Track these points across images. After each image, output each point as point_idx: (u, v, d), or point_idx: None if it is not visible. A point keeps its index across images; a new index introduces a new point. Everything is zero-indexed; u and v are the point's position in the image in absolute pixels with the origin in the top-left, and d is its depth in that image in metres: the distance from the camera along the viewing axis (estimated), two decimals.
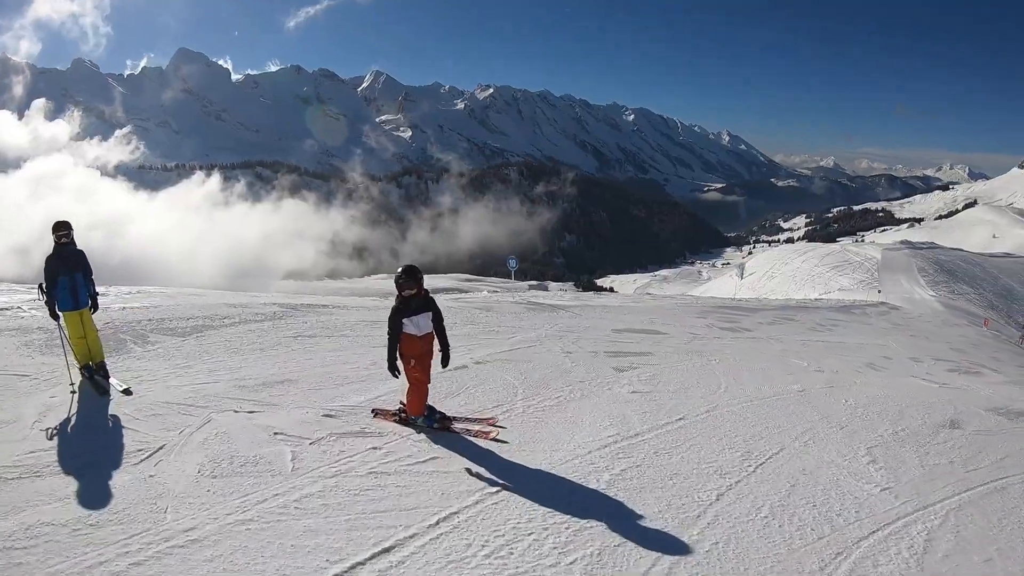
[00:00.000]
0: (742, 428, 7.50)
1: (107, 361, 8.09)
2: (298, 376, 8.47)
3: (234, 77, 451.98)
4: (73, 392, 7.18)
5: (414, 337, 6.49)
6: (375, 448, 6.24)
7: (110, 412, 6.76)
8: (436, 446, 6.39)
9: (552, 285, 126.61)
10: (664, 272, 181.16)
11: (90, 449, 5.88)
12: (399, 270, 6.44)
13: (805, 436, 7.40)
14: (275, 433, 6.40)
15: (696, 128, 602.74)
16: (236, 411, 6.95)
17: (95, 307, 8.03)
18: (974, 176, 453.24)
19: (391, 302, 6.53)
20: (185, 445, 6.00)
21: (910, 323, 26.67)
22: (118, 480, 5.29)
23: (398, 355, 6.55)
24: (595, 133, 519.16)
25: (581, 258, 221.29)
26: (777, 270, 69.26)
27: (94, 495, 5.02)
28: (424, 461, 6.03)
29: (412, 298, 6.40)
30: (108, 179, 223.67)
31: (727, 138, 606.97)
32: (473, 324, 13.51)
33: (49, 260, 7.52)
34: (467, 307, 16.35)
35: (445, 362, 6.71)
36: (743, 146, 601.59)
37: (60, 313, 7.63)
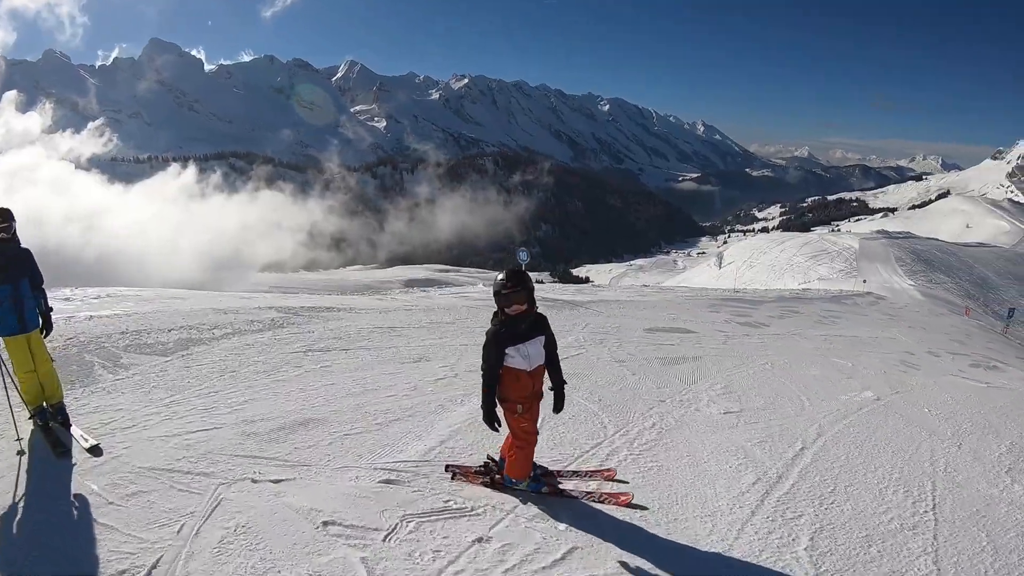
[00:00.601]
0: (870, 454, 6.46)
1: (67, 398, 6.03)
2: (324, 413, 6.48)
3: (207, 68, 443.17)
4: (21, 453, 5.09)
5: (522, 373, 4.63)
6: (482, 540, 4.30)
7: (73, 489, 4.65)
8: (561, 526, 4.56)
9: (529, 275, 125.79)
10: (640, 261, 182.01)
11: (44, 571, 3.78)
12: (500, 277, 4.54)
13: (939, 461, 6.43)
14: (324, 523, 4.35)
15: (671, 118, 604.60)
16: (255, 480, 4.92)
17: (48, 328, 5.84)
18: (947, 167, 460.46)
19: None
20: (191, 558, 3.89)
21: (901, 313, 26.52)
22: None
23: (497, 399, 4.73)
24: (570, 123, 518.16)
25: (557, 248, 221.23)
26: (756, 259, 69.97)
27: None
28: (562, 558, 4.17)
29: (521, 317, 4.53)
30: (82, 172, 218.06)
31: (702, 128, 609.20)
32: None
33: None
34: (482, 306, 15.08)
35: (559, 406, 4.89)
36: (718, 136, 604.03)
37: (0, 339, 5.53)
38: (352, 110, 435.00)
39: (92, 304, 11.19)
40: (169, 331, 9.10)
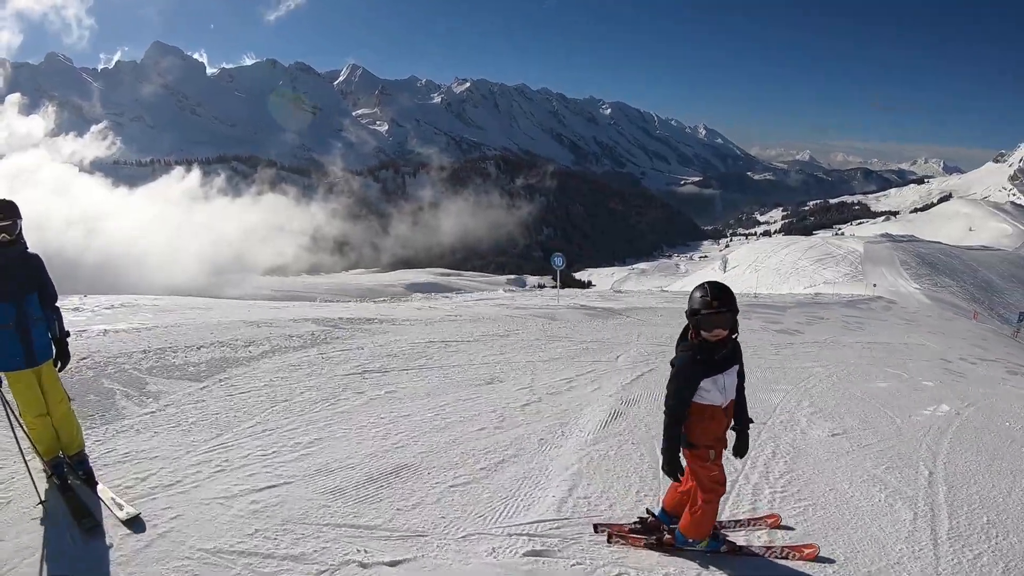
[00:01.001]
0: (993, 476, 5.89)
1: (87, 440, 4.73)
2: (413, 455, 5.28)
3: (209, 71, 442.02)
4: (42, 523, 3.79)
5: (718, 410, 3.82)
6: None
7: None
8: None
9: (530, 280, 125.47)
10: (642, 265, 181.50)
11: None
12: (699, 293, 3.66)
13: None
14: None
15: (673, 122, 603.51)
16: (364, 564, 3.69)
17: (64, 359, 4.48)
18: (949, 170, 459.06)
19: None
20: None
21: (916, 318, 26.55)
22: None
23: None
24: (572, 126, 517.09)
25: (559, 251, 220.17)
26: (761, 263, 69.64)
27: None
28: None
29: (719, 344, 3.68)
30: (85, 175, 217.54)
31: (704, 132, 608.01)
32: (554, 338, 11.37)
33: None
34: (528, 316, 14.14)
35: (744, 449, 4.09)
36: (719, 140, 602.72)
37: (1, 374, 4.17)
38: (354, 113, 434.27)
39: (105, 315, 9.99)
40: (199, 348, 7.86)
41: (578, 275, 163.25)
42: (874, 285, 46.64)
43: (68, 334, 4.54)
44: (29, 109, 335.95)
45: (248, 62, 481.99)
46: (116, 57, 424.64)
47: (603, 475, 5.21)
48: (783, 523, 4.70)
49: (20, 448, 4.26)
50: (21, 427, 4.26)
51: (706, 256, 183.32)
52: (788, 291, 45.68)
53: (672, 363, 3.80)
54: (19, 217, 4.17)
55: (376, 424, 5.92)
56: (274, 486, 4.51)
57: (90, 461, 4.49)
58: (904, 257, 59.27)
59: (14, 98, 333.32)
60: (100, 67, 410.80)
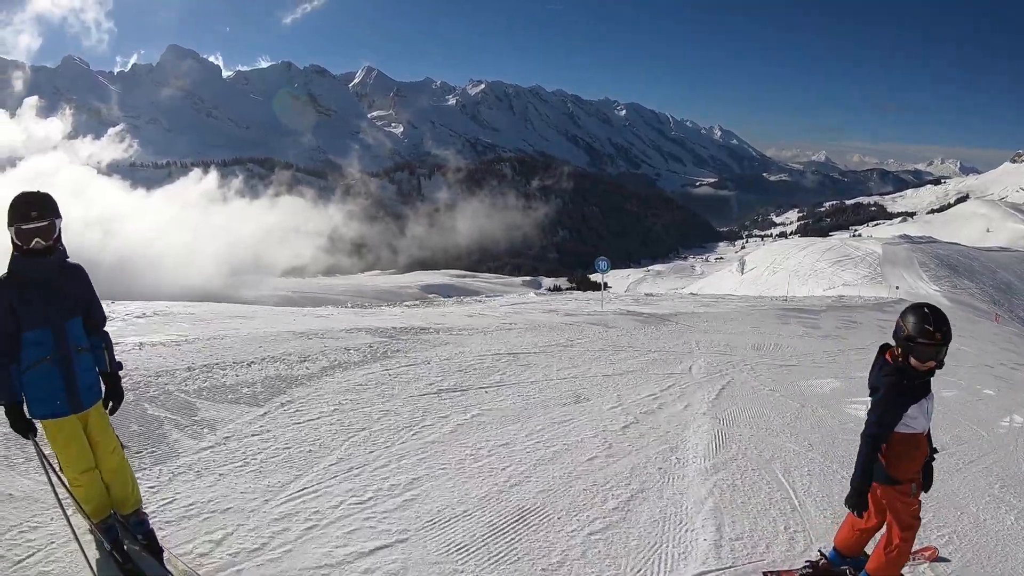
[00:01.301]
0: None
1: (139, 483, 3.76)
2: (531, 496, 4.55)
3: (225, 74, 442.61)
4: None
5: (920, 437, 3.58)
6: None
7: None
8: None
9: (545, 281, 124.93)
10: (658, 267, 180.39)
11: None
12: (918, 319, 3.32)
13: None
14: None
15: (688, 123, 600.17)
16: None
17: (116, 398, 3.53)
18: (965, 170, 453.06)
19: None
20: None
21: None
22: None
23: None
24: (587, 128, 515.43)
25: (575, 253, 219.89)
26: (779, 264, 69.03)
27: None
28: None
29: (926, 372, 3.41)
30: (103, 177, 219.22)
31: (719, 133, 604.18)
32: (619, 348, 10.76)
33: None
34: (578, 322, 13.59)
35: (928, 483, 3.71)
36: (735, 141, 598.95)
37: (36, 421, 3.22)
38: (370, 116, 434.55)
39: (138, 325, 9.07)
40: (250, 365, 6.95)
41: (593, 276, 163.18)
42: (896, 287, 46.25)
43: (120, 366, 3.58)
44: (47, 112, 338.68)
45: (263, 64, 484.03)
46: (132, 60, 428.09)
47: (742, 509, 4.75)
48: (941, 555, 4.49)
49: (59, 500, 3.34)
50: (62, 483, 3.33)
51: (722, 258, 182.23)
52: (808, 293, 45.50)
53: (873, 389, 3.54)
54: (58, 216, 3.26)
55: (475, 457, 5.09)
56: (385, 546, 3.66)
57: (150, 520, 3.57)
58: (923, 259, 58.43)
59: (32, 101, 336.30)
60: (116, 70, 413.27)
